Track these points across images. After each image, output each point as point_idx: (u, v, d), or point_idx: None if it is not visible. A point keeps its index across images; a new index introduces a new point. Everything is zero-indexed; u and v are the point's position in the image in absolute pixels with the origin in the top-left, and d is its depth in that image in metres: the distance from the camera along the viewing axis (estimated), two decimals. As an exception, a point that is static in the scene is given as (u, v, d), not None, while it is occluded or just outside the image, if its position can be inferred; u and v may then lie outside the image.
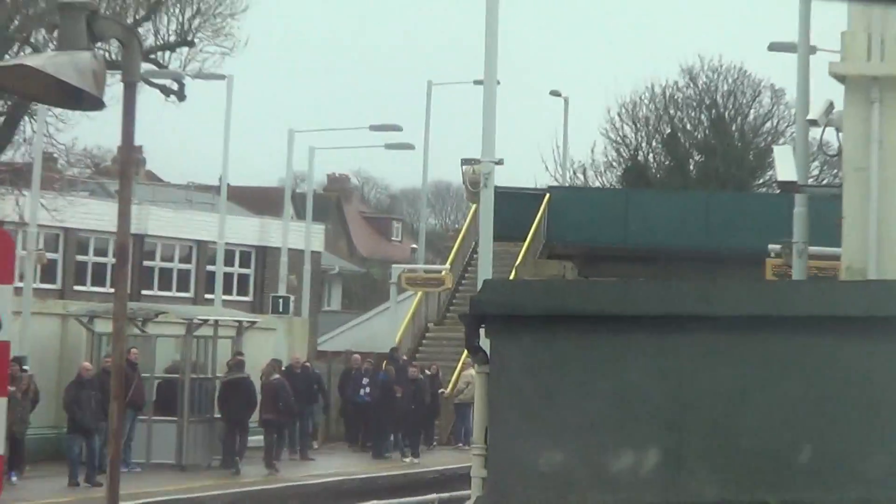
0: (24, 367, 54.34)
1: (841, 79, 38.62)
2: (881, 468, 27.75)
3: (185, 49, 75.27)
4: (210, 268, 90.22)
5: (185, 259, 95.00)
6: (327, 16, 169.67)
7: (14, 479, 44.91)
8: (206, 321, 69.10)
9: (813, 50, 43.80)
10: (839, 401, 27.42)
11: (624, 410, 28.56)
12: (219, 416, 63.37)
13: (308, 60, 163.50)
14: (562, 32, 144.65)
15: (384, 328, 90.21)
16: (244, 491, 45.15)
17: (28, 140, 73.44)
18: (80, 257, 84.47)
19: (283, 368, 68.08)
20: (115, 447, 27.42)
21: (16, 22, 68.48)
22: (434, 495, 39.34)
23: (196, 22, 77.00)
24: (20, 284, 56.74)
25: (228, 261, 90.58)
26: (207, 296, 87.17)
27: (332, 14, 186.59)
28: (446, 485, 45.12)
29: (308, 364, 73.95)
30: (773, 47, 56.08)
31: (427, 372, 75.61)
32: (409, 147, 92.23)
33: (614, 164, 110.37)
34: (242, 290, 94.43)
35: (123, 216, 26.59)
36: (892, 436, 28.08)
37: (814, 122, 44.12)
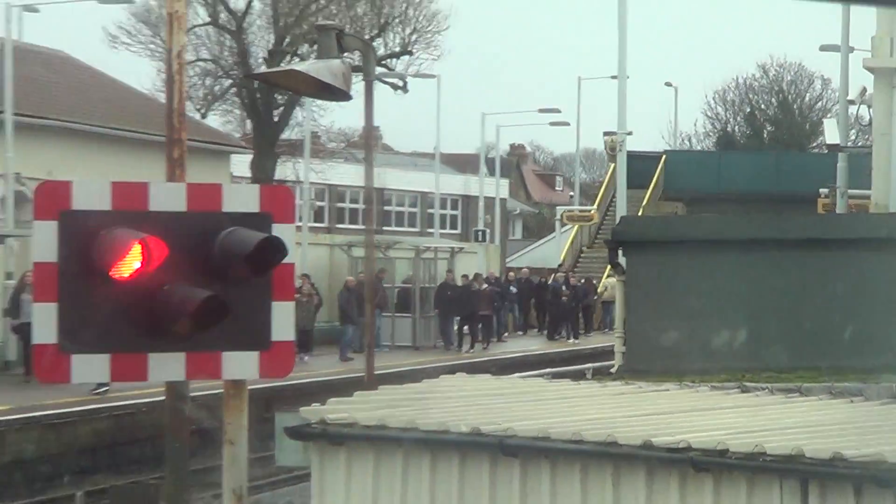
0: (312, 282, 55.98)
1: (871, 70, 39.84)
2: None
3: (407, 56, 76.68)
4: (430, 211, 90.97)
5: (412, 205, 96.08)
6: (507, 25, 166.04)
7: (305, 358, 46.74)
8: (428, 248, 70.49)
9: (851, 49, 44.86)
10: (871, 295, 28.09)
11: (720, 304, 28.94)
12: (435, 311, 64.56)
13: (494, 59, 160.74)
14: (673, 35, 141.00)
15: (552, 251, 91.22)
16: (459, 363, 46.74)
17: (299, 123, 74.69)
18: (339, 204, 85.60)
19: (483, 279, 68.86)
20: (370, 335, 29.56)
21: (287, 39, 70.64)
22: (589, 365, 40.21)
23: (413, 37, 78.34)
24: (300, 224, 57.85)
25: (442, 205, 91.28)
26: (429, 230, 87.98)
27: (511, 24, 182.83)
28: (598, 358, 45.98)
29: (499, 276, 74.86)
30: (823, 48, 55.75)
31: (584, 281, 76.06)
32: (566, 124, 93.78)
33: (710, 133, 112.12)
34: (453, 226, 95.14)
35: (369, 175, 28.64)
36: None
37: (852, 102, 46.07)
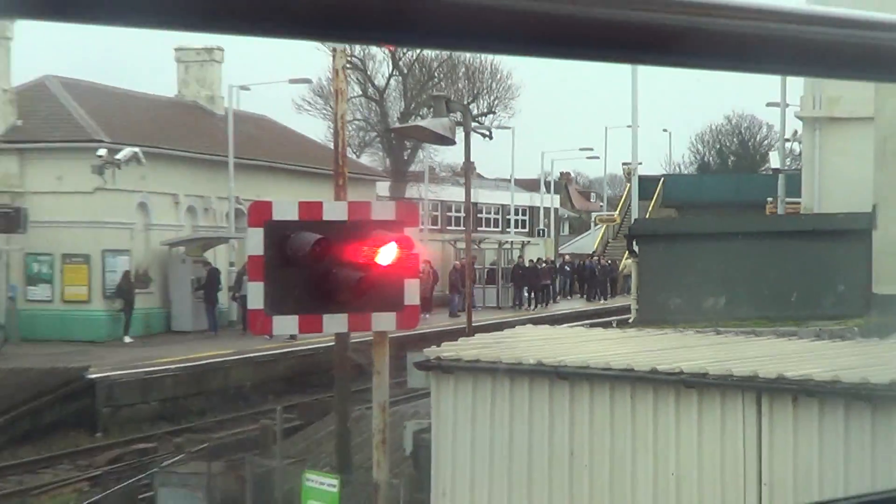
0: (431, 265, 55.76)
1: (801, 118, 39.66)
2: (833, 297, 29.01)
3: (491, 115, 76.92)
4: (507, 217, 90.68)
5: (496, 213, 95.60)
6: (556, 92, 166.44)
7: (426, 316, 46.34)
8: (506, 241, 70.77)
9: (787, 105, 44.16)
10: (806, 269, 27.93)
11: (706, 278, 29.02)
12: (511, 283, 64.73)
13: (548, 114, 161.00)
14: (667, 97, 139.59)
15: (588, 242, 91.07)
16: (527, 318, 46.42)
17: (421, 160, 74.81)
18: (447, 213, 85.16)
19: (543, 261, 69.36)
20: (469, 300, 29.28)
21: (412, 105, 70.96)
22: (614, 318, 39.96)
23: (496, 102, 78.72)
24: (422, 227, 58.17)
25: (515, 213, 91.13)
26: (506, 230, 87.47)
27: (560, 92, 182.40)
28: (620, 313, 45.63)
29: (553, 259, 75.20)
30: (769, 104, 55.27)
31: (610, 262, 76.02)
32: (597, 157, 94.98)
33: (693, 162, 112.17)
34: (523, 227, 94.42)
35: (467, 193, 28.52)
36: (835, 279, 29.14)
37: (787, 140, 46.06)
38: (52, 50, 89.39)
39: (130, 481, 22.83)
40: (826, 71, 1.34)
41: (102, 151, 46.30)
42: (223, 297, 50.02)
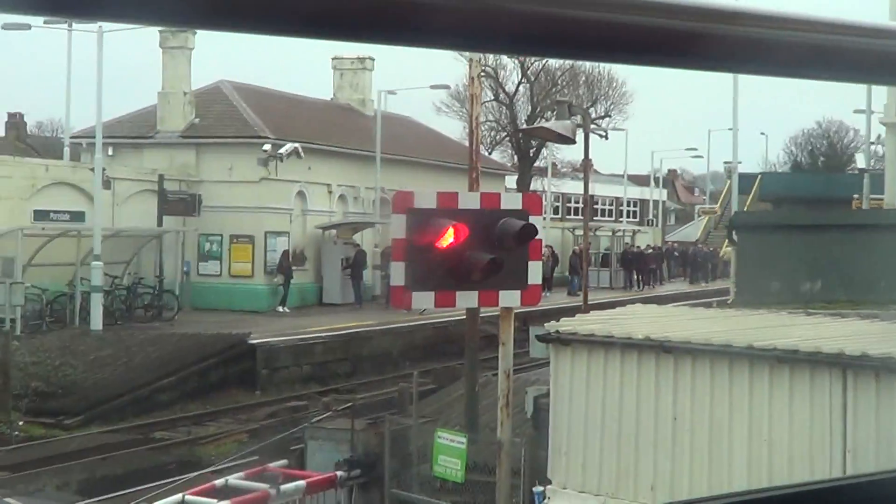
0: (552, 249, 55.59)
1: (884, 124, 38.80)
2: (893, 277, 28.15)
3: (608, 118, 76.29)
4: (620, 208, 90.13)
5: (610, 205, 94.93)
6: (664, 98, 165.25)
7: (547, 294, 45.97)
8: (619, 230, 70.55)
9: (872, 112, 43.40)
10: (889, 257, 27.27)
11: (800, 265, 28.71)
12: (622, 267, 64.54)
13: (658, 118, 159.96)
14: (764, 103, 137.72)
15: (692, 232, 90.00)
16: (637, 297, 45.94)
17: (544, 157, 74.56)
18: (567, 204, 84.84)
19: (651, 248, 69.13)
20: (585, 280, 28.92)
21: (538, 109, 70.64)
22: (714, 299, 39.38)
23: (611, 106, 78.30)
24: (545, 216, 58.22)
25: (627, 205, 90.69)
26: (619, 219, 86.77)
27: (667, 97, 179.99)
28: (719, 295, 44.88)
29: (659, 246, 74.58)
30: (856, 111, 54.33)
31: (711, 249, 75.26)
32: (701, 156, 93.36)
33: (786, 162, 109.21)
34: (634, 217, 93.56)
35: (585, 187, 28.33)
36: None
37: (872, 143, 44.99)
38: (226, 58, 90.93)
39: (284, 434, 23.05)
40: (823, 74, 1.27)
41: (267, 146, 46.83)
42: (368, 274, 50.37)
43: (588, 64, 75.80)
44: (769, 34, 1.18)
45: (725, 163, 79.53)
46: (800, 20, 1.19)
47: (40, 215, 42.12)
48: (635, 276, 66.45)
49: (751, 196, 74.58)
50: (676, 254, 78.21)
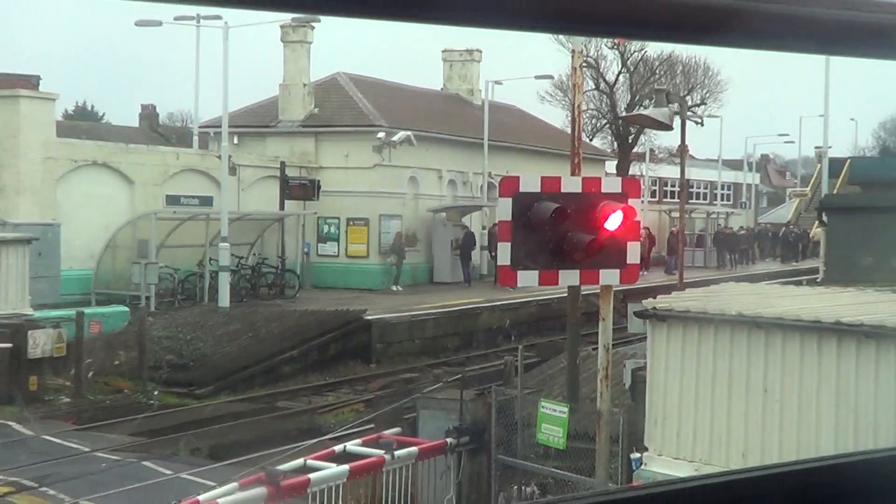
0: (649, 231, 54.99)
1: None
2: None
3: (703, 105, 75.00)
4: (715, 191, 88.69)
5: (705, 188, 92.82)
6: (757, 85, 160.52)
7: (644, 273, 44.70)
8: (713, 212, 70.37)
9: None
10: None
11: (889, 243, 27.75)
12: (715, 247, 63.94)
13: (752, 105, 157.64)
14: (855, 90, 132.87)
15: (784, 213, 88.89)
16: (730, 276, 45.32)
17: (642, 143, 74.03)
18: (664, 188, 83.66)
19: (742, 228, 68.52)
20: (681, 259, 28.66)
21: (637, 97, 69.93)
22: (804, 277, 38.79)
23: (707, 94, 77.16)
24: (643, 199, 57.83)
25: (722, 188, 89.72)
26: (713, 202, 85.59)
27: (760, 85, 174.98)
28: (809, 273, 44.05)
29: (751, 227, 74.01)
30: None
31: (802, 230, 74.36)
32: (792, 142, 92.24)
33: (874, 147, 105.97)
34: (727, 200, 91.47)
35: (682, 171, 28.00)
36: None
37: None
38: (342, 51, 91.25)
39: (397, 404, 23.20)
40: (844, 50, 1.23)
41: (381, 134, 47.13)
42: (476, 254, 50.54)
43: (685, 53, 75.18)
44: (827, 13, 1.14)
45: (816, 147, 78.01)
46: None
47: (172, 200, 42.90)
48: (728, 256, 65.87)
49: (840, 179, 73.49)
50: (769, 235, 77.49)
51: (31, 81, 52.68)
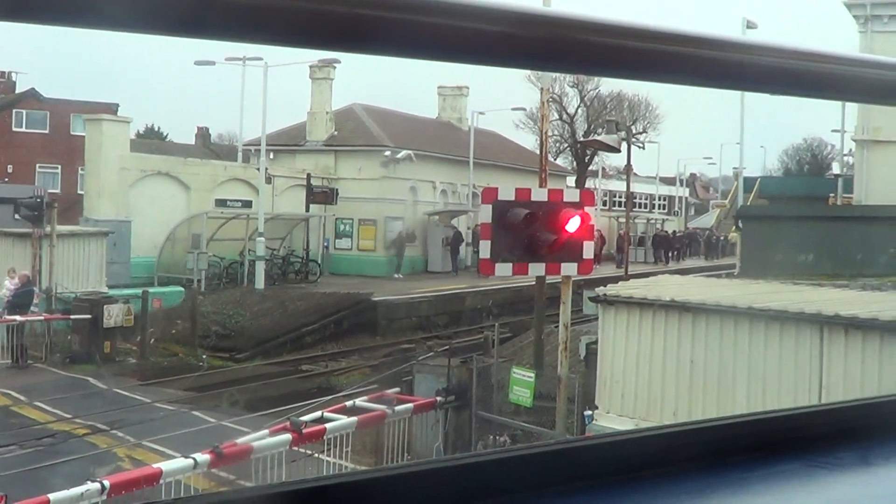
0: (601, 233, 54.15)
1: (854, 140, 38.24)
2: (877, 261, 27.52)
3: (645, 133, 74.60)
4: (653, 202, 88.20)
5: (645, 199, 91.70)
6: (687, 117, 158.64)
7: (597, 266, 44.79)
8: (651, 219, 70.23)
9: (845, 131, 42.64)
10: (864, 242, 26.50)
11: (791, 245, 27.50)
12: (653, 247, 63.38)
13: (684, 133, 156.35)
14: (763, 120, 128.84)
15: (708, 220, 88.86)
16: (664, 270, 45.02)
17: (596, 163, 73.56)
18: (613, 199, 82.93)
19: (675, 232, 67.54)
20: (626, 256, 28.28)
21: (592, 125, 69.21)
22: (724, 271, 38.15)
23: (647, 125, 76.92)
24: (596, 206, 57.50)
25: (659, 199, 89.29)
26: (652, 210, 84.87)
27: (688, 117, 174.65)
28: (729, 268, 43.53)
29: (682, 231, 73.10)
30: (833, 130, 53.49)
31: (723, 235, 74.25)
32: (715, 164, 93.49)
33: (779, 169, 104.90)
34: (663, 209, 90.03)
35: (627, 185, 27.44)
36: (876, 249, 27.24)
37: (845, 155, 45.09)
38: (357, 85, 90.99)
39: (397, 369, 23.15)
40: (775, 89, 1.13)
41: (388, 152, 47.07)
42: (462, 249, 50.45)
43: (631, 91, 75.08)
44: (748, 59, 1.07)
45: (734, 168, 78.04)
46: (776, 49, 1.09)
47: (220, 203, 42.78)
48: (664, 254, 65.82)
49: (752, 194, 73.70)
50: (697, 237, 77.35)
51: (111, 108, 52.54)
